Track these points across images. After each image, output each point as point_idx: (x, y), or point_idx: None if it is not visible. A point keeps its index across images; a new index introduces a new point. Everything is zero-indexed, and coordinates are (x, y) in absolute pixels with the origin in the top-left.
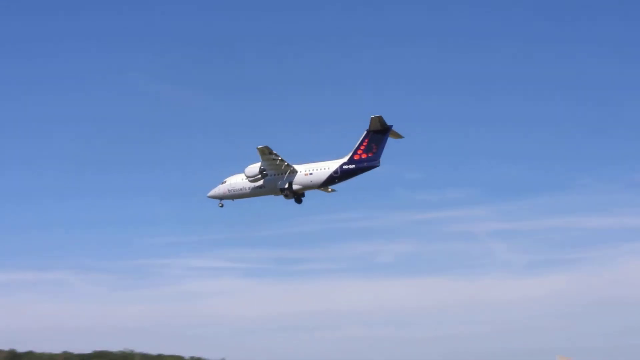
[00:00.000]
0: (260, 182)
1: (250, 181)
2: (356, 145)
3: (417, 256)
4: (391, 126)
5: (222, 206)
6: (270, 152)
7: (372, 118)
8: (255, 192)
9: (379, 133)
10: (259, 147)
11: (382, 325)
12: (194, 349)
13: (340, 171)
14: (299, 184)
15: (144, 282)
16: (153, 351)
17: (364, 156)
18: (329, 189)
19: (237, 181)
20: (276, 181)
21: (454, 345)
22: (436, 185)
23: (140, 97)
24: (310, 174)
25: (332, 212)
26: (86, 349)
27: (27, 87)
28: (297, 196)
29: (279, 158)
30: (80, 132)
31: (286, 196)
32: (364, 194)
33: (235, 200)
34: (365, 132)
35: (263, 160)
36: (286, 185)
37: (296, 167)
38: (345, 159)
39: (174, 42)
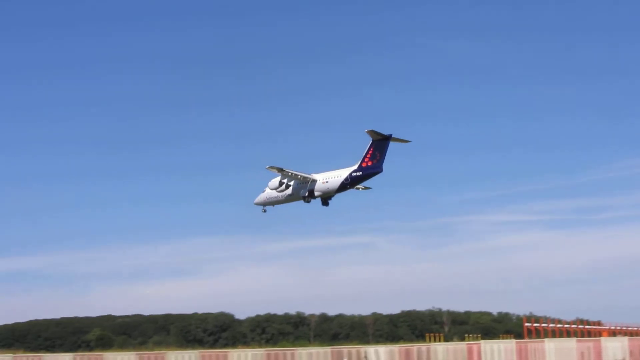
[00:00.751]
0: (290, 191)
1: (278, 192)
2: (364, 154)
3: None
4: (391, 135)
5: (265, 211)
6: (282, 170)
7: (367, 132)
8: (288, 199)
9: (382, 141)
10: (267, 167)
11: None
12: (501, 304)
13: (350, 178)
14: (319, 191)
15: (448, 240)
16: (460, 308)
17: (369, 163)
18: (360, 188)
19: (272, 190)
20: (300, 189)
21: None
22: None
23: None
24: (327, 182)
25: (634, 156)
26: (394, 309)
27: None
28: (323, 199)
29: (290, 172)
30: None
31: (308, 202)
32: None
33: (275, 205)
34: (371, 142)
35: (282, 174)
36: (306, 194)
37: (315, 176)
38: (355, 167)
39: None
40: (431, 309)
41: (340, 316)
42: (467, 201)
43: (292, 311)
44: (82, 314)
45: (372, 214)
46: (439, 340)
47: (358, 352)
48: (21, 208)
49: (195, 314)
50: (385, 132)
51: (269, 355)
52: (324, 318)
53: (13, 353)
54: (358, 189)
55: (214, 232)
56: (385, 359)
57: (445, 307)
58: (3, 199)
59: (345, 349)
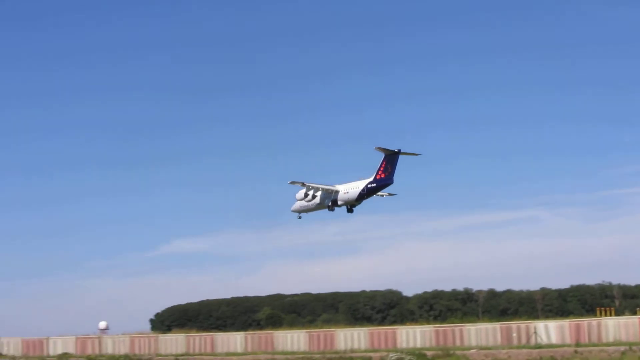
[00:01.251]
0: (317, 200)
1: (307, 202)
2: (378, 167)
3: None
4: (399, 150)
5: (300, 218)
6: (303, 183)
7: (376, 148)
8: (317, 207)
9: (392, 155)
10: (289, 182)
11: None
12: None
13: (366, 190)
14: (342, 200)
15: (615, 212)
16: (631, 282)
17: (383, 175)
18: (384, 195)
19: (302, 200)
20: (325, 199)
21: None
22: None
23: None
24: (347, 192)
25: None
26: (563, 284)
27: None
28: (348, 207)
29: (311, 186)
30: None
31: (332, 210)
32: None
33: (308, 213)
34: (383, 156)
35: (305, 187)
36: (330, 204)
37: (338, 187)
38: (371, 179)
39: None
40: (601, 282)
41: (508, 291)
42: (633, 173)
43: (460, 287)
44: (252, 293)
45: (537, 187)
46: (610, 315)
47: (527, 328)
48: (196, 190)
49: (364, 291)
50: (398, 144)
51: (437, 331)
52: (492, 294)
53: (186, 332)
54: (382, 195)
55: (379, 210)
56: (554, 334)
57: (615, 280)
58: (176, 179)
59: (514, 324)
